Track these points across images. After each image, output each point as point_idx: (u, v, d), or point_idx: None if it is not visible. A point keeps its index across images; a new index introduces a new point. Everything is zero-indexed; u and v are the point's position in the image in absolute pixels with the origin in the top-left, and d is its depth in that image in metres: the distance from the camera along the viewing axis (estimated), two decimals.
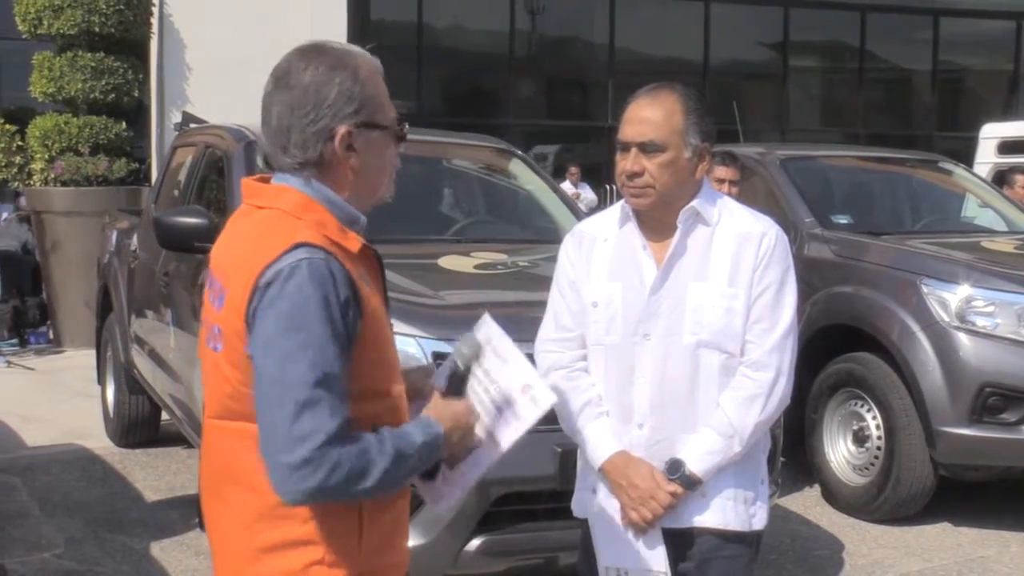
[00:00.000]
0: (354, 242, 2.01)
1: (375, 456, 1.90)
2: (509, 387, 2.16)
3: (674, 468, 2.60)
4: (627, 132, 2.62)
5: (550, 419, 3.74)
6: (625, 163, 2.61)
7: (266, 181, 2.09)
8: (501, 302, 4.43)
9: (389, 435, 1.94)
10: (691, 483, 2.60)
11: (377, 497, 1.96)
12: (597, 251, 2.73)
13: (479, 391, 2.17)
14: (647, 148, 2.58)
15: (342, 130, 2.00)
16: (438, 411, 2.09)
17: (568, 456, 3.46)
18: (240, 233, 2.06)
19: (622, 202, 2.71)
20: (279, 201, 2.02)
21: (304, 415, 1.84)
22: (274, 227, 1.98)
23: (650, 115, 2.59)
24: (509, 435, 2.16)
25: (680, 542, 2.66)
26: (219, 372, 2.02)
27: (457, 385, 2.15)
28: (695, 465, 2.59)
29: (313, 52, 2.04)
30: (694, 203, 2.63)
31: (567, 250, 2.81)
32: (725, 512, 2.65)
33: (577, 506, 2.83)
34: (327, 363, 1.87)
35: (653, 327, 2.61)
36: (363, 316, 1.96)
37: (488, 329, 2.21)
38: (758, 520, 2.71)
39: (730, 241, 2.62)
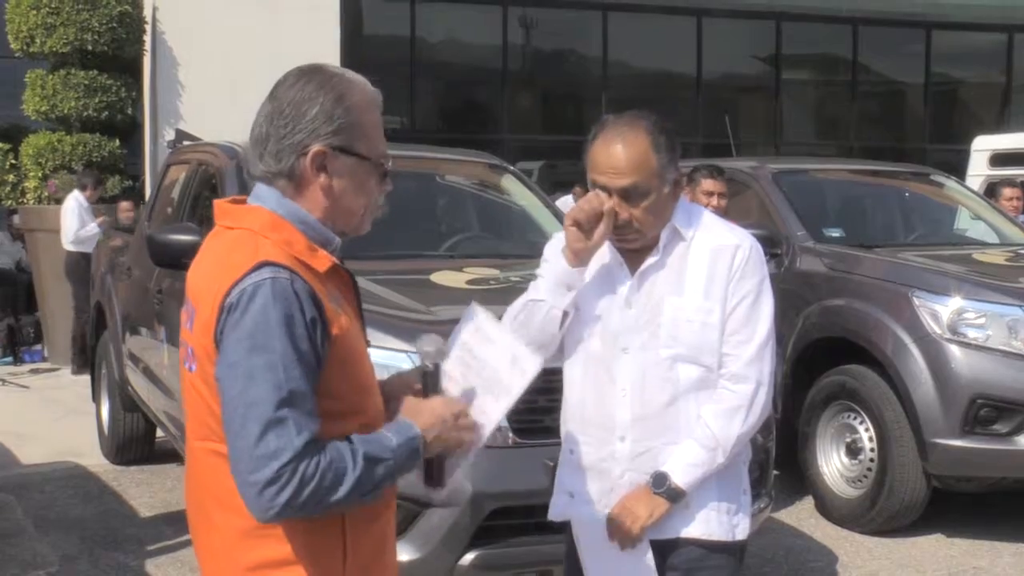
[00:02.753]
0: (323, 261, 2.01)
1: (346, 465, 1.89)
2: (498, 365, 2.19)
3: (659, 481, 2.62)
4: (605, 179, 2.58)
5: (542, 433, 3.80)
6: (609, 207, 2.58)
7: (241, 202, 2.10)
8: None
9: (360, 442, 1.94)
10: (675, 496, 2.62)
11: (353, 506, 1.95)
12: None
13: (471, 377, 2.19)
14: (629, 193, 2.57)
15: (315, 148, 2.01)
16: (412, 411, 2.07)
17: None
18: (210, 254, 2.07)
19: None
20: (247, 220, 2.03)
21: (269, 434, 1.85)
22: (240, 247, 1.98)
23: (625, 159, 2.56)
24: (500, 407, 2.18)
25: (665, 552, 2.68)
26: (196, 392, 2.04)
27: (431, 383, 2.16)
28: (679, 478, 2.61)
29: (308, 71, 2.06)
30: (674, 222, 2.66)
31: (553, 248, 2.77)
32: (709, 523, 2.67)
33: (554, 510, 2.83)
34: (291, 380, 1.87)
35: (631, 341, 2.64)
36: (331, 335, 1.95)
37: (477, 317, 2.24)
38: (741, 530, 2.73)
39: (704, 255, 2.64)
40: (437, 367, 2.18)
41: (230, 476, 1.94)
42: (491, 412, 2.17)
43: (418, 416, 2.05)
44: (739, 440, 2.66)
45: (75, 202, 10.19)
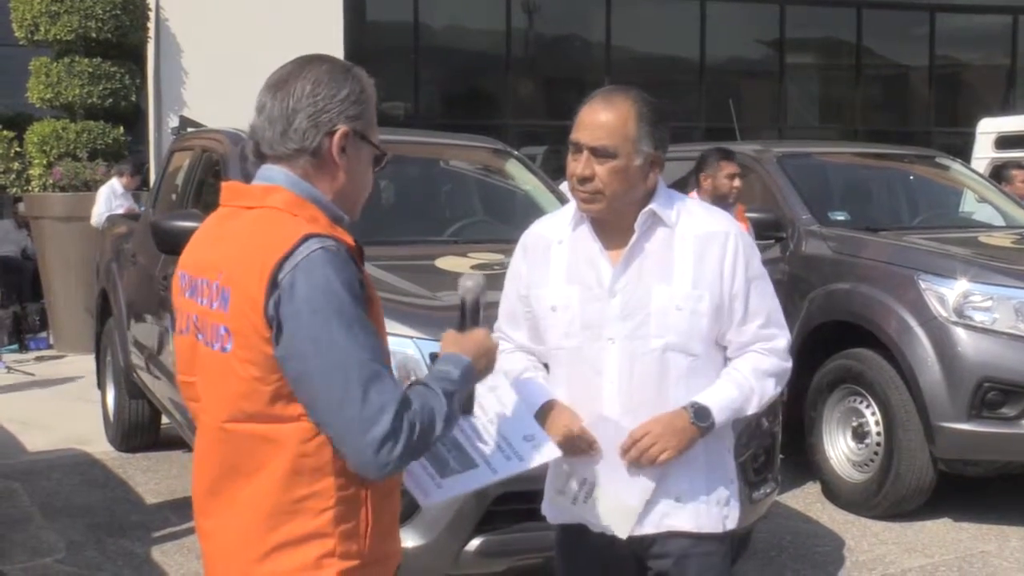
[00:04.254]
0: (346, 237, 2.03)
1: (434, 404, 1.98)
2: (510, 432, 2.34)
3: (703, 415, 2.57)
4: (580, 135, 2.59)
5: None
6: (576, 166, 2.58)
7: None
8: (497, 302, 4.44)
9: (433, 381, 2.04)
10: (707, 432, 2.59)
11: (437, 438, 2.02)
12: (553, 254, 2.70)
13: (481, 416, 2.31)
14: (598, 153, 2.55)
15: (343, 128, 2.04)
16: (459, 344, 2.15)
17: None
18: (232, 234, 2.06)
19: (575, 204, 2.69)
20: (268, 200, 2.04)
21: (371, 393, 1.90)
22: (274, 223, 2.00)
23: (604, 120, 2.56)
24: (509, 468, 2.30)
25: (655, 544, 2.66)
26: (230, 372, 2.01)
27: (471, 317, 2.24)
28: (717, 415, 2.59)
29: (325, 56, 2.11)
30: (652, 206, 2.61)
31: (518, 258, 2.79)
32: (699, 516, 2.65)
33: (550, 510, 2.81)
34: (369, 337, 1.94)
35: (616, 331, 2.59)
36: (372, 300, 2.05)
37: (494, 378, 2.34)
38: (731, 520, 2.72)
39: (691, 242, 2.60)
40: (477, 302, 2.25)
41: (261, 454, 1.99)
42: (498, 468, 2.31)
43: (463, 346, 2.13)
44: (767, 402, 2.70)
45: (108, 188, 10.39)
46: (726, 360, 2.69)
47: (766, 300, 2.67)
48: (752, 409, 2.67)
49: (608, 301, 2.60)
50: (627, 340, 2.59)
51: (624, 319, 2.59)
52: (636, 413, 2.58)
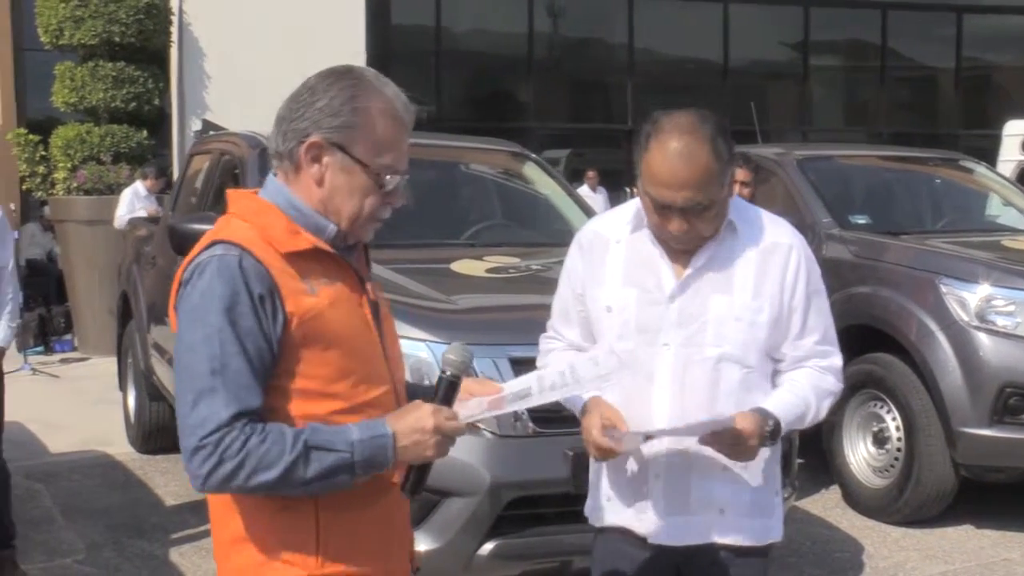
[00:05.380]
0: (298, 242, 2.02)
1: (282, 448, 1.89)
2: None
3: (777, 432, 2.52)
4: (665, 196, 2.44)
5: (562, 423, 3.77)
6: (670, 224, 2.48)
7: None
8: (512, 305, 4.44)
9: (313, 429, 1.93)
10: (771, 444, 2.55)
11: (295, 490, 1.93)
12: (611, 254, 2.64)
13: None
14: (692, 211, 2.45)
15: (313, 138, 2.03)
16: (399, 412, 2.02)
17: (581, 459, 3.44)
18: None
19: (636, 205, 2.61)
20: (236, 206, 2.10)
21: (200, 404, 1.90)
22: (217, 227, 2.06)
23: (687, 177, 2.41)
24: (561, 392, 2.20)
25: (696, 555, 2.63)
26: None
27: (443, 393, 2.06)
28: (782, 430, 2.55)
29: (341, 70, 2.10)
30: (732, 216, 2.56)
31: (574, 256, 2.74)
32: (742, 530, 2.62)
33: (593, 514, 2.77)
34: (225, 355, 1.91)
35: (672, 337, 2.54)
36: (289, 314, 1.96)
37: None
38: (775, 533, 2.69)
39: (754, 252, 2.56)
40: (457, 378, 2.08)
41: None
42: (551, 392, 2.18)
43: (400, 419, 1.99)
44: (819, 420, 2.66)
45: (132, 190, 10.49)
46: (775, 373, 2.64)
47: (823, 316, 2.63)
48: (804, 426, 2.63)
49: (667, 306, 2.55)
50: (682, 347, 2.54)
51: (680, 326, 2.54)
52: (684, 420, 2.51)
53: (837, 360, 2.67)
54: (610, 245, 2.66)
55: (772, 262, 2.56)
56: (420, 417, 1.99)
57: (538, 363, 2.81)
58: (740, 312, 2.54)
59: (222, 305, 1.92)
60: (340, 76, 2.07)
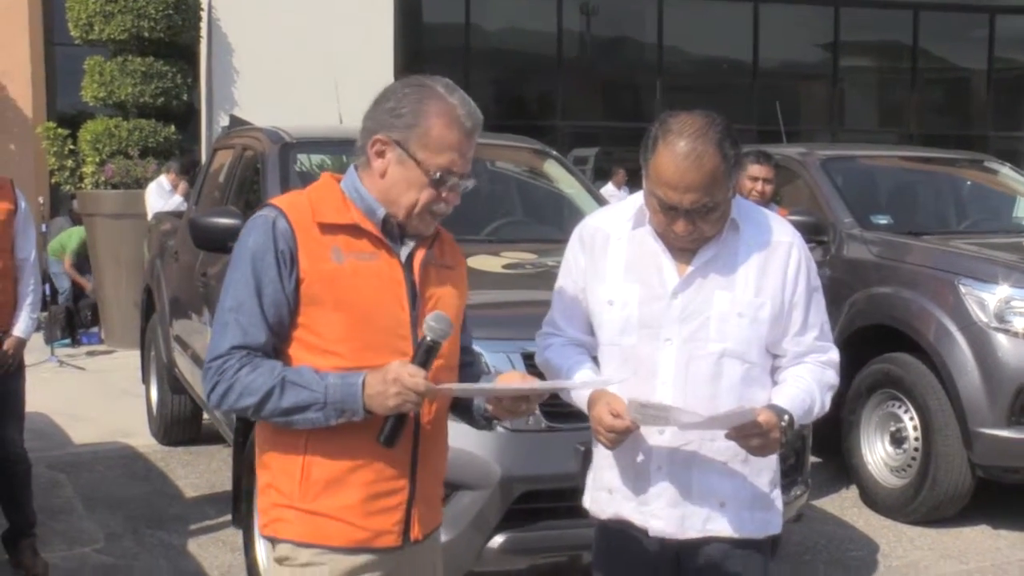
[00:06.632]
0: (338, 216, 2.33)
1: (266, 380, 2.24)
2: None
3: (791, 427, 2.54)
4: (672, 198, 2.46)
5: (573, 418, 3.79)
6: (676, 225, 2.50)
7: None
8: (526, 301, 4.46)
9: (296, 370, 2.26)
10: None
11: (275, 419, 2.26)
12: (612, 248, 2.66)
13: None
14: (698, 212, 2.48)
15: (377, 136, 2.33)
16: (379, 368, 2.24)
17: (591, 454, 3.46)
18: None
19: (639, 202, 2.63)
20: (315, 182, 2.45)
21: (216, 334, 2.31)
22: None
23: (693, 180, 2.43)
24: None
25: (696, 547, 2.65)
26: None
27: (421, 355, 2.25)
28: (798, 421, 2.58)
29: (415, 79, 2.39)
30: (734, 215, 2.59)
31: (575, 251, 2.75)
32: (742, 522, 2.63)
33: (594, 506, 2.78)
34: (241, 296, 2.28)
35: (675, 332, 2.56)
36: (303, 273, 2.27)
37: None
38: (774, 526, 2.70)
39: (755, 249, 2.59)
40: (435, 343, 2.25)
41: None
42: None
43: (375, 372, 2.22)
44: (821, 415, 2.69)
45: (156, 184, 10.59)
46: (775, 369, 2.66)
47: (821, 313, 2.67)
48: (810, 420, 2.66)
49: (669, 302, 2.57)
50: (685, 342, 2.56)
51: (683, 321, 2.56)
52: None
53: (835, 354, 2.70)
54: (611, 240, 2.67)
55: (773, 259, 2.59)
56: (387, 369, 2.21)
57: (536, 359, 2.84)
58: (742, 308, 2.56)
59: (246, 254, 2.30)
60: (411, 83, 2.37)
